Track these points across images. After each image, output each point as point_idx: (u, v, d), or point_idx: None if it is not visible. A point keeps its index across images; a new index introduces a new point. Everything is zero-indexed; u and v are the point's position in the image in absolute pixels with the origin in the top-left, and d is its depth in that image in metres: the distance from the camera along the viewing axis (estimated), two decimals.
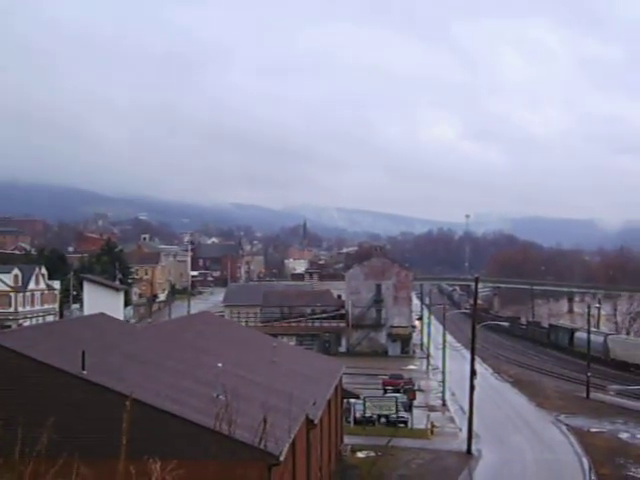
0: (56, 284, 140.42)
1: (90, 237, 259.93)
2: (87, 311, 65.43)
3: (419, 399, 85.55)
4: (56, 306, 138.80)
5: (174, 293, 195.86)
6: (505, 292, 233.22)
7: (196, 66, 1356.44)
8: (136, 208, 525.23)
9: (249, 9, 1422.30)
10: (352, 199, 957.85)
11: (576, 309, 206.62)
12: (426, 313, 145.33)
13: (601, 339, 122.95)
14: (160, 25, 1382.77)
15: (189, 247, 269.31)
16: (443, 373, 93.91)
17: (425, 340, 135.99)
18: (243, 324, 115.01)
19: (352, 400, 68.77)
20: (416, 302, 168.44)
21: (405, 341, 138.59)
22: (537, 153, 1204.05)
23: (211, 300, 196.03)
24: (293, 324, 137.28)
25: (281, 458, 26.70)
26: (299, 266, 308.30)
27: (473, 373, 66.11)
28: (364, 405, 71.47)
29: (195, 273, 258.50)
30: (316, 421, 37.77)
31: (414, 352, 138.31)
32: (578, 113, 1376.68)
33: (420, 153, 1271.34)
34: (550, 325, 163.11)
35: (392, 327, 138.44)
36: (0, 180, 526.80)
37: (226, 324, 78.42)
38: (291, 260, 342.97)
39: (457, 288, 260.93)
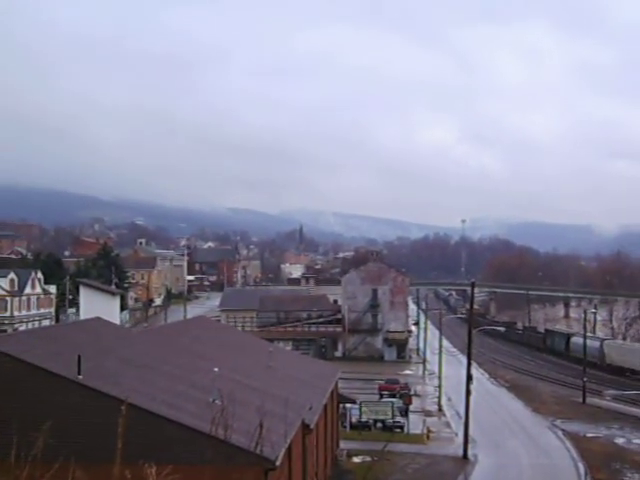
0: (52, 288, 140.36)
1: (86, 241, 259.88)
2: (83, 315, 65.44)
3: (415, 404, 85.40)
4: (52, 310, 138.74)
5: (170, 298, 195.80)
6: (501, 297, 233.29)
7: (192, 69, 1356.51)
8: (132, 212, 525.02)
9: (244, 12, 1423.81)
10: (348, 204, 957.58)
11: (572, 314, 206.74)
12: (422, 318, 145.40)
13: (597, 344, 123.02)
14: (157, 27, 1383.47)
15: (185, 252, 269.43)
16: (439, 378, 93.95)
17: (421, 345, 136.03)
18: (239, 329, 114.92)
19: (348, 405, 68.73)
20: (412, 307, 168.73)
21: (401, 346, 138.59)
22: (533, 158, 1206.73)
23: (207, 305, 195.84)
24: (289, 329, 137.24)
25: (277, 463, 26.72)
26: (295, 271, 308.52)
27: (469, 378, 66.08)
28: (360, 410, 71.45)
29: (191, 278, 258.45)
30: (312, 426, 37.79)
31: (410, 357, 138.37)
32: (574, 117, 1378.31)
33: (416, 157, 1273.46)
34: (546, 330, 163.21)
35: (388, 332, 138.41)
36: None
37: (222, 329, 78.38)
38: (287, 265, 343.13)
39: (453, 293, 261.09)
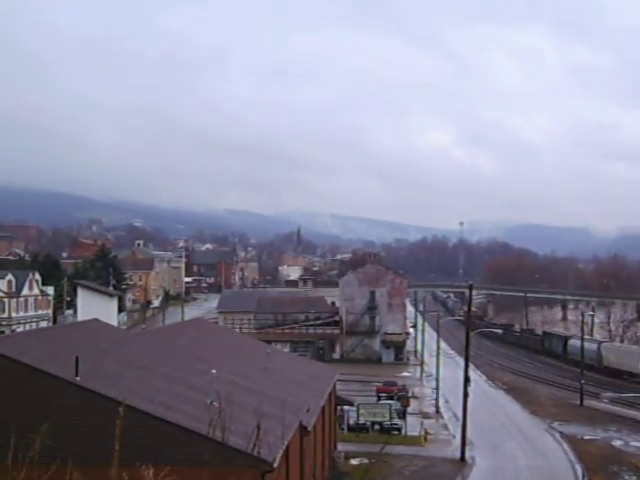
0: (50, 290, 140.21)
1: (84, 243, 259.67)
2: (81, 317, 65.40)
3: (413, 406, 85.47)
4: (50, 312, 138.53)
5: (168, 299, 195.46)
6: (499, 299, 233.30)
7: (191, 70, 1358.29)
8: (130, 214, 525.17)
9: (242, 13, 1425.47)
10: (346, 205, 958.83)
11: (570, 317, 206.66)
12: (420, 320, 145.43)
13: (595, 347, 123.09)
14: (155, 29, 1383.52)
15: (183, 253, 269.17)
16: (437, 380, 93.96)
17: (419, 347, 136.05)
18: (237, 330, 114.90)
19: (346, 407, 68.72)
20: (410, 309, 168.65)
21: (399, 348, 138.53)
22: (531, 160, 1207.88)
23: (205, 306, 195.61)
24: (287, 331, 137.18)
25: (275, 465, 26.71)
26: (293, 273, 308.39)
27: (467, 380, 66.13)
28: (358, 412, 71.42)
29: (189, 279, 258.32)
30: (310, 428, 37.77)
31: (408, 359, 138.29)
32: (572, 119, 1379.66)
33: (414, 159, 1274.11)
34: (544, 332, 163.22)
35: (386, 334, 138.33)
36: None
37: (220, 330, 78.38)
38: (285, 267, 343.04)
39: (451, 295, 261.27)
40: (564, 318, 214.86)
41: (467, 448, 64.43)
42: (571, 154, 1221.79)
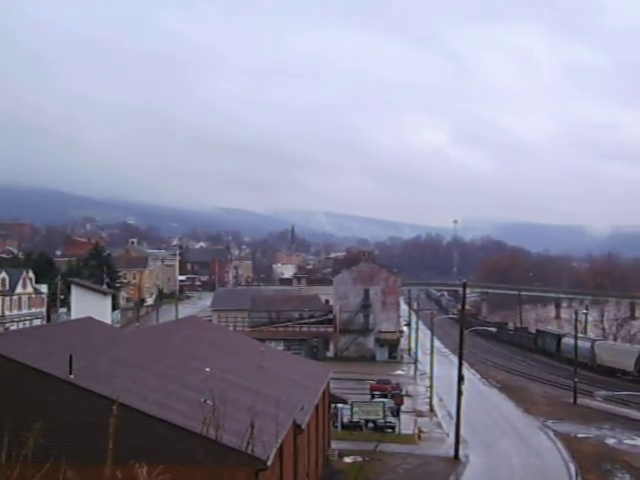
0: (44, 288, 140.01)
1: (78, 241, 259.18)
2: (75, 315, 65.42)
3: (407, 404, 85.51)
4: (43, 310, 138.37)
5: (162, 297, 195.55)
6: (493, 298, 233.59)
7: (185, 68, 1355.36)
8: (124, 212, 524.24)
9: (239, 13, 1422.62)
10: (340, 204, 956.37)
11: (564, 315, 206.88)
12: (414, 318, 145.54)
13: (588, 345, 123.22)
14: (150, 27, 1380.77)
15: (177, 251, 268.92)
16: (431, 378, 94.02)
17: (413, 345, 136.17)
18: (231, 329, 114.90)
19: (340, 405, 68.77)
20: (404, 307, 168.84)
21: (393, 346, 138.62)
22: (526, 159, 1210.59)
23: (199, 304, 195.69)
24: (281, 329, 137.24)
25: (268, 463, 26.74)
26: (287, 271, 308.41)
27: (461, 378, 66.16)
28: (351, 410, 71.46)
29: (183, 277, 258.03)
30: (303, 426, 37.80)
31: (402, 357, 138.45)
32: (567, 119, 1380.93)
33: (409, 158, 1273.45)
34: (538, 331, 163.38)
35: (380, 332, 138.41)
36: None
37: (214, 329, 78.36)
38: (279, 265, 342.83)
39: (445, 293, 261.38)
40: (558, 316, 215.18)
41: (461, 446, 64.48)
42: (566, 153, 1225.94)
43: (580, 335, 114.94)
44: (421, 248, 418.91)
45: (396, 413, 74.99)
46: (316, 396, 46.94)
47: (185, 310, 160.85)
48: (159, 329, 61.20)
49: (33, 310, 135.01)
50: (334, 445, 61.19)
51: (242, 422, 22.86)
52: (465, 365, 78.91)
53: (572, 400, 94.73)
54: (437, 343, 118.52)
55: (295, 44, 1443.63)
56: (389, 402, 77.66)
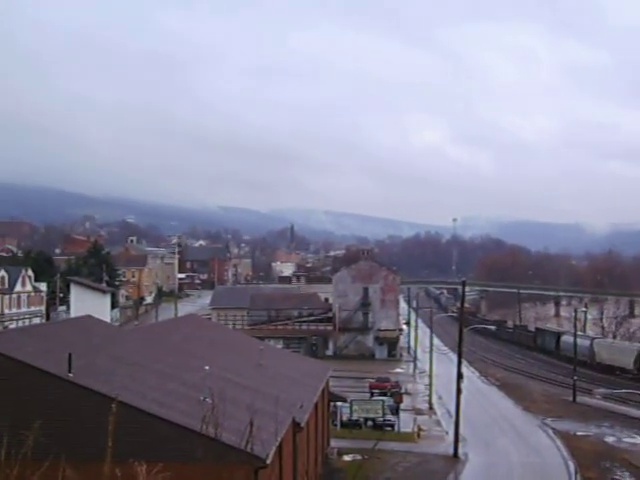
0: (43, 286, 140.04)
1: (77, 239, 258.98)
2: (74, 313, 65.40)
3: (406, 402, 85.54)
4: (43, 308, 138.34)
5: (161, 296, 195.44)
6: (492, 296, 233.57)
7: (184, 68, 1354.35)
8: (123, 210, 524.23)
9: (239, 13, 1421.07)
10: (340, 202, 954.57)
11: (563, 313, 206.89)
12: (413, 316, 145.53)
13: (587, 343, 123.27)
14: (150, 27, 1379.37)
15: (176, 250, 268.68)
16: (430, 376, 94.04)
17: (412, 343, 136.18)
18: (230, 327, 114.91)
19: (339, 403, 68.77)
20: (403, 305, 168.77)
21: (392, 344, 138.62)
22: (525, 158, 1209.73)
23: (198, 303, 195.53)
24: (280, 327, 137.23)
25: (268, 461, 26.73)
26: (286, 269, 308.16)
27: (460, 376, 66.19)
28: (351, 408, 71.48)
29: (182, 276, 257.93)
30: (303, 424, 37.79)
31: (401, 355, 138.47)
32: (566, 118, 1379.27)
33: (408, 157, 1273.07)
34: (537, 329, 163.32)
35: (379, 330, 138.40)
36: None
37: (213, 327, 78.35)
38: (278, 263, 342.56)
39: (444, 291, 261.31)
40: (557, 314, 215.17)
41: (460, 444, 64.49)
42: (565, 152, 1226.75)
43: (579, 333, 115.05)
44: (420, 246, 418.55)
45: (395, 411, 75.05)
46: (315, 394, 46.93)
47: (184, 308, 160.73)
48: (158, 327, 61.19)
49: (32, 308, 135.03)
50: (333, 443, 61.18)
51: (241, 420, 22.89)
52: (464, 363, 78.91)
53: (571, 398, 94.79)
54: (436, 341, 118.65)
55: (295, 44, 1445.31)
56: (388, 400, 77.74)
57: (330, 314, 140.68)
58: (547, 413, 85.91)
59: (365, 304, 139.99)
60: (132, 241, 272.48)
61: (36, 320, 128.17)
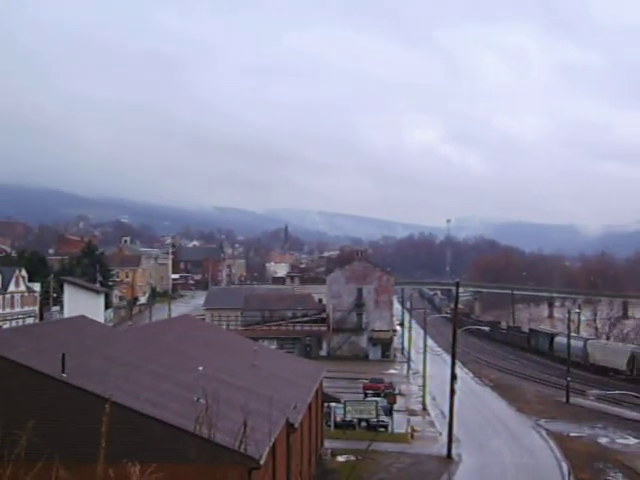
0: (36, 286, 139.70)
1: (71, 239, 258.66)
2: (67, 313, 65.34)
3: (399, 403, 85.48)
4: (36, 308, 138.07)
5: (155, 296, 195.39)
6: (486, 297, 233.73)
7: (184, 68, 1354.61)
8: (117, 210, 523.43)
9: (239, 12, 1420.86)
10: (334, 203, 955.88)
11: (556, 314, 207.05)
12: (407, 317, 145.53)
13: (581, 344, 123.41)
14: (150, 27, 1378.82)
15: (170, 250, 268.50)
16: (424, 377, 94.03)
17: (406, 344, 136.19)
18: (224, 327, 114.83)
19: (332, 404, 68.71)
20: (397, 306, 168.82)
21: (386, 345, 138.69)
22: (519, 158, 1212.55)
23: (192, 303, 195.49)
24: (274, 328, 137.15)
25: (261, 462, 26.72)
26: (280, 270, 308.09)
27: (454, 377, 66.20)
28: (344, 409, 71.46)
29: (176, 276, 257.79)
30: (296, 425, 37.79)
31: (395, 356, 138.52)
32: (559, 119, 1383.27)
33: (402, 157, 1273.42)
34: (530, 330, 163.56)
35: (373, 331, 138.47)
36: None
37: (207, 327, 78.31)
38: (272, 264, 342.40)
39: (438, 292, 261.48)
40: (550, 316, 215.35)
41: (454, 445, 64.53)
42: (559, 152, 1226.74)
43: (573, 334, 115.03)
44: (414, 247, 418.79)
45: (389, 412, 75.06)
46: (309, 395, 46.93)
47: (178, 309, 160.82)
48: (152, 328, 61.15)
49: (26, 308, 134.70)
50: (327, 444, 61.17)
51: (235, 421, 22.89)
52: (458, 364, 79.01)
53: (565, 399, 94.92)
54: (430, 342, 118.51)
55: (295, 44, 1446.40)
56: (382, 401, 77.72)
57: (324, 315, 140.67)
58: (540, 414, 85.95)
59: (359, 305, 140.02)
60: (126, 241, 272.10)
61: (29, 320, 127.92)
